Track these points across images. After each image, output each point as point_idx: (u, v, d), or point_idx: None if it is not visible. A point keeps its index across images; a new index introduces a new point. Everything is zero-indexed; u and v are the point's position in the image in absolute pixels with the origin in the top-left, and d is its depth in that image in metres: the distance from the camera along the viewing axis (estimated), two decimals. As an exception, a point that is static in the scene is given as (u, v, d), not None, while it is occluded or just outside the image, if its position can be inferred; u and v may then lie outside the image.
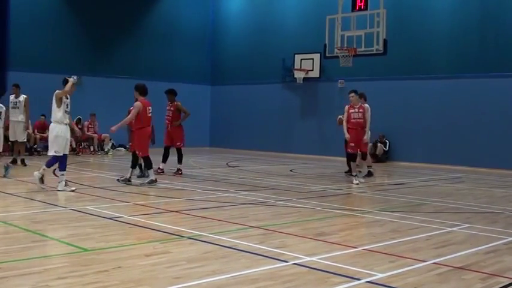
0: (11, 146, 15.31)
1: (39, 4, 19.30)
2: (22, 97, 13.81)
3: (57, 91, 9.69)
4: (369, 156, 13.33)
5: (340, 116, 13.58)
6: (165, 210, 8.06)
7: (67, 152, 9.85)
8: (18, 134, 13.78)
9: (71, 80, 9.68)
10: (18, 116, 13.74)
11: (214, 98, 23.77)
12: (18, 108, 13.78)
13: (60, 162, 9.71)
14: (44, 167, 9.71)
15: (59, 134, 9.59)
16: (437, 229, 7.07)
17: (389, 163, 17.78)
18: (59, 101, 9.62)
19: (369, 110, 13.09)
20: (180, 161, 12.70)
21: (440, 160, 17.04)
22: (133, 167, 11.32)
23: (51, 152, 9.65)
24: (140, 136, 10.91)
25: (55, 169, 13.35)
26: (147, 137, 10.97)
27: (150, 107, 10.91)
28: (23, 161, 13.85)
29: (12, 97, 13.96)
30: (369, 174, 13.17)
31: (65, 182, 9.65)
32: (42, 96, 18.13)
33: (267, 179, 12.56)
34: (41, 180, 9.70)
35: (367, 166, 13.25)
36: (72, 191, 9.51)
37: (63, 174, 9.68)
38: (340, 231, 6.94)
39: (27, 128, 14.36)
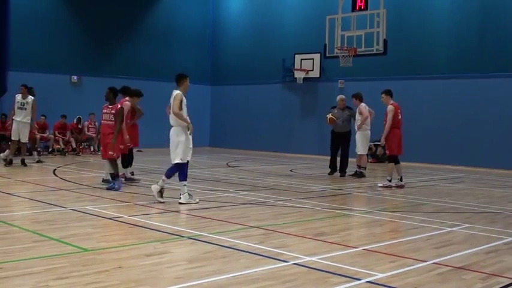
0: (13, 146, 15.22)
1: (40, 4, 19.31)
2: (30, 98, 13.72)
3: (176, 92, 8.65)
4: (365, 157, 13.27)
5: (329, 116, 13.52)
6: (165, 210, 8.06)
7: (189, 159, 8.78)
8: (22, 135, 13.69)
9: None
10: (24, 117, 13.66)
11: (214, 98, 23.78)
12: (25, 109, 13.67)
13: (181, 170, 8.66)
14: (164, 177, 8.64)
15: (184, 139, 8.60)
16: (437, 229, 7.08)
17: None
18: (180, 103, 8.54)
19: (366, 109, 13.08)
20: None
21: (440, 160, 17.05)
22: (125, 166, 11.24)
23: (176, 160, 8.58)
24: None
25: (55, 169, 13.41)
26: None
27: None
28: (23, 161, 13.78)
29: (19, 97, 13.79)
30: (361, 175, 13.13)
31: (189, 193, 8.68)
32: (42, 96, 18.26)
33: (266, 179, 12.56)
34: (160, 193, 8.65)
35: (362, 167, 13.20)
36: (197, 202, 8.60)
37: (185, 185, 8.60)
38: (340, 231, 6.94)
39: (31, 130, 14.30)
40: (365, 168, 13.31)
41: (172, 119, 8.72)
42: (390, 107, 11.41)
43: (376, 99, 17.81)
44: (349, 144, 13.58)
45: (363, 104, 13.13)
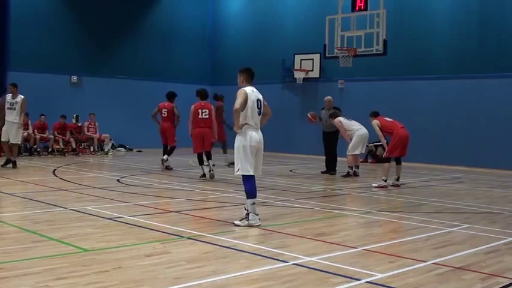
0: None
1: (40, 4, 19.31)
2: (19, 97, 13.18)
3: (242, 88, 7.37)
4: (350, 157, 13.28)
5: (312, 113, 13.90)
6: (165, 211, 8.06)
7: (249, 172, 7.10)
8: (11, 136, 13.16)
9: None
10: (13, 117, 13.15)
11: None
12: (14, 109, 13.15)
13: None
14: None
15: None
16: (437, 229, 7.08)
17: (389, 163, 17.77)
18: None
19: (340, 123, 13.28)
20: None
21: (440, 160, 17.05)
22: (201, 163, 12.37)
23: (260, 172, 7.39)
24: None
25: (55, 169, 13.40)
26: (193, 136, 12.26)
27: (200, 109, 12.19)
28: (14, 163, 13.25)
29: (9, 97, 13.28)
30: (354, 174, 13.24)
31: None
32: (42, 96, 18.30)
33: (267, 179, 12.56)
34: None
35: (349, 166, 13.30)
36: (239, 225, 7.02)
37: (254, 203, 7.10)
38: (340, 231, 6.94)
39: (20, 128, 13.47)
40: (358, 167, 13.43)
41: (261, 120, 7.38)
42: (373, 122, 11.68)
43: (376, 99, 17.88)
44: (336, 143, 13.89)
45: (335, 120, 13.37)
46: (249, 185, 7.05)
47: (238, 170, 7.04)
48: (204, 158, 12.44)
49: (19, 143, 13.98)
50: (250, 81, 7.40)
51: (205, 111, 12.20)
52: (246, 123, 7.07)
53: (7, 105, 13.30)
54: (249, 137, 7.06)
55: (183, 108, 14.46)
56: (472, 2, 16.97)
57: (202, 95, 12.49)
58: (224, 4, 23.60)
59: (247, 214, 6.98)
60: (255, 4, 22.54)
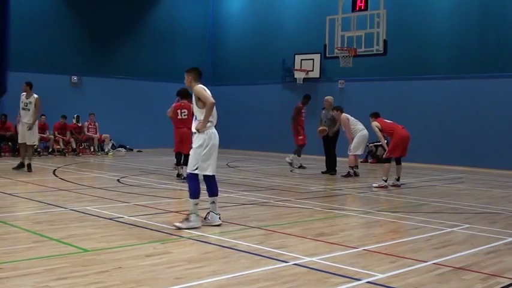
0: (11, 147, 14.99)
1: (40, 4, 19.30)
2: (33, 97, 12.73)
3: (197, 86, 7.03)
4: (352, 157, 13.34)
5: (320, 128, 13.92)
6: (165, 211, 8.06)
7: (210, 172, 7.09)
8: (27, 137, 12.73)
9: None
10: (28, 118, 12.68)
11: (214, 98, 23.76)
12: (28, 110, 12.69)
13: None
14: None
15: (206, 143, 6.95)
16: (437, 229, 7.08)
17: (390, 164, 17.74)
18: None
19: (348, 120, 13.40)
20: None
21: (440, 160, 17.04)
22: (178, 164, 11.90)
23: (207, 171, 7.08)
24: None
25: (55, 170, 13.40)
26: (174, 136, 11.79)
27: (179, 110, 11.55)
28: (29, 166, 12.78)
29: (23, 97, 12.83)
30: (354, 174, 13.30)
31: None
32: (43, 97, 18.19)
33: (267, 179, 12.56)
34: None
35: (350, 167, 13.36)
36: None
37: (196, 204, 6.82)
38: (340, 231, 6.94)
39: (35, 128, 13.02)
40: (357, 167, 13.50)
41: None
42: (373, 124, 11.70)
43: (376, 99, 17.87)
44: (335, 143, 13.95)
45: (342, 116, 13.52)
46: (197, 184, 6.88)
47: (209, 169, 7.00)
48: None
49: (35, 144, 13.42)
50: (199, 81, 7.08)
51: (184, 112, 11.47)
52: (210, 121, 6.94)
53: (22, 105, 12.79)
54: (214, 136, 6.98)
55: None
56: (472, 1, 16.96)
57: (181, 94, 11.64)
58: (224, 4, 23.60)
59: (189, 215, 6.67)
60: (255, 4, 22.54)
